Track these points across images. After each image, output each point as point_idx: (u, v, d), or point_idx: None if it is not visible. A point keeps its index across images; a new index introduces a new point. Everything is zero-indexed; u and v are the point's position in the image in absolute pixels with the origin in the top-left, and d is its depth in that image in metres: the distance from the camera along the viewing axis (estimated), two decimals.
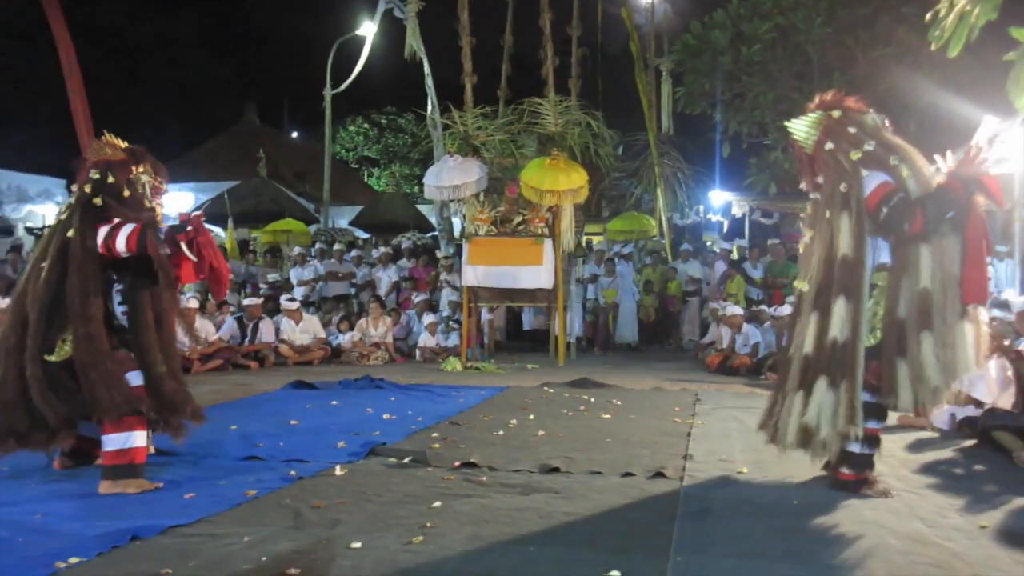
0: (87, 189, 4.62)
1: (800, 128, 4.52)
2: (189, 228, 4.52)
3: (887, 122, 4.49)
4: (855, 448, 4.31)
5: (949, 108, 11.39)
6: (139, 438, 4.41)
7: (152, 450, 5.03)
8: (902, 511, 4.05)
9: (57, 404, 4.33)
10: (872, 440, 4.37)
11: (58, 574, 3.10)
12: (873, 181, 4.22)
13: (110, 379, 4.35)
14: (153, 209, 4.74)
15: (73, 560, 3.22)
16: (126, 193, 4.69)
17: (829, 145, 4.36)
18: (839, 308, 4.17)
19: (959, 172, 4.13)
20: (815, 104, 4.54)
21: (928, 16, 6.32)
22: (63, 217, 4.64)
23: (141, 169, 4.78)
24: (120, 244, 4.44)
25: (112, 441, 4.36)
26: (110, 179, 4.66)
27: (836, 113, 4.42)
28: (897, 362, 4.13)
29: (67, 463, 4.84)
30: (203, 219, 4.65)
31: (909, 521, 3.88)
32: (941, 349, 4.05)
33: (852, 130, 4.38)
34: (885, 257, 4.28)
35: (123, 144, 4.87)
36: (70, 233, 4.50)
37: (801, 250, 4.65)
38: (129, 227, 4.48)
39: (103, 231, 4.47)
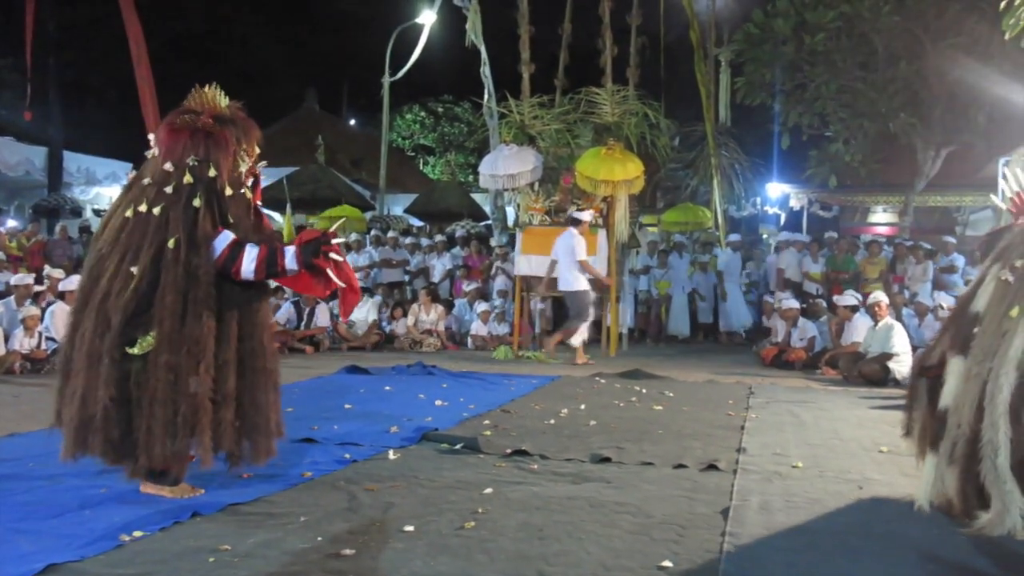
0: (187, 180, 3.90)
1: None
2: (329, 253, 3.99)
3: None
4: None
5: (1020, 100, 11.04)
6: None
7: None
8: None
9: (119, 422, 3.77)
10: None
11: (123, 547, 3.20)
12: None
13: (171, 420, 3.75)
14: (251, 201, 4.15)
15: (137, 534, 3.32)
16: (229, 191, 3.99)
17: None
18: None
19: None
20: None
21: (1002, 4, 6.12)
22: (155, 211, 3.87)
23: (243, 147, 4.09)
24: (247, 271, 3.88)
25: None
26: (211, 172, 3.94)
27: None
28: None
29: None
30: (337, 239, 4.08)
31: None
32: None
33: None
34: None
35: (222, 103, 4.12)
36: (170, 244, 3.81)
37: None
38: (254, 251, 3.89)
39: (218, 247, 3.88)
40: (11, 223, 15.96)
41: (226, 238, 3.90)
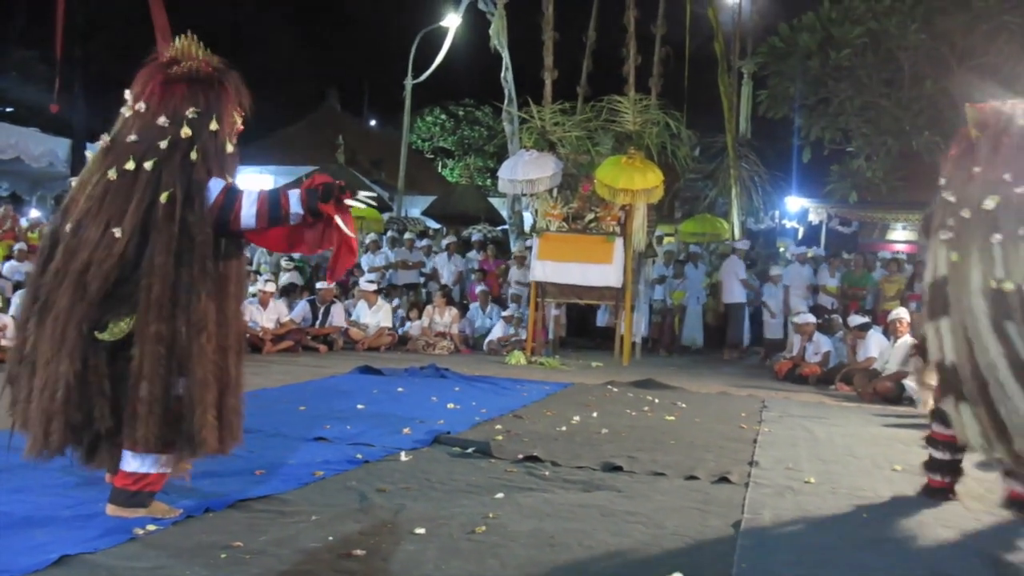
0: (184, 133, 3.46)
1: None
2: (338, 194, 3.62)
3: None
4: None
5: None
6: (164, 462, 3.49)
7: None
8: (977, 530, 3.94)
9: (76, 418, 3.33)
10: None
11: (135, 540, 3.22)
12: None
13: (160, 398, 3.34)
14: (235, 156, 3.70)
15: (150, 528, 3.33)
16: (230, 148, 3.60)
17: None
18: None
19: None
20: None
21: None
22: (146, 165, 3.41)
23: (240, 101, 3.69)
24: (248, 216, 3.46)
25: (131, 460, 3.45)
26: (213, 125, 3.53)
27: None
28: None
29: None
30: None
31: (985, 542, 3.76)
32: None
33: None
34: None
35: (213, 59, 3.66)
36: (162, 198, 3.37)
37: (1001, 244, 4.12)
38: (253, 194, 3.50)
39: (213, 191, 3.45)
40: (34, 213, 16.10)
41: (219, 183, 3.48)
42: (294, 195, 3.56)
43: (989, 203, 4.07)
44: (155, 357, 3.31)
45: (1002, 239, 4.00)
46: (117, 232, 3.34)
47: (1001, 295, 3.96)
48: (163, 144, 3.45)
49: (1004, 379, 3.86)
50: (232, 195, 3.47)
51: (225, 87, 3.62)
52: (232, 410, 3.54)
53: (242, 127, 3.77)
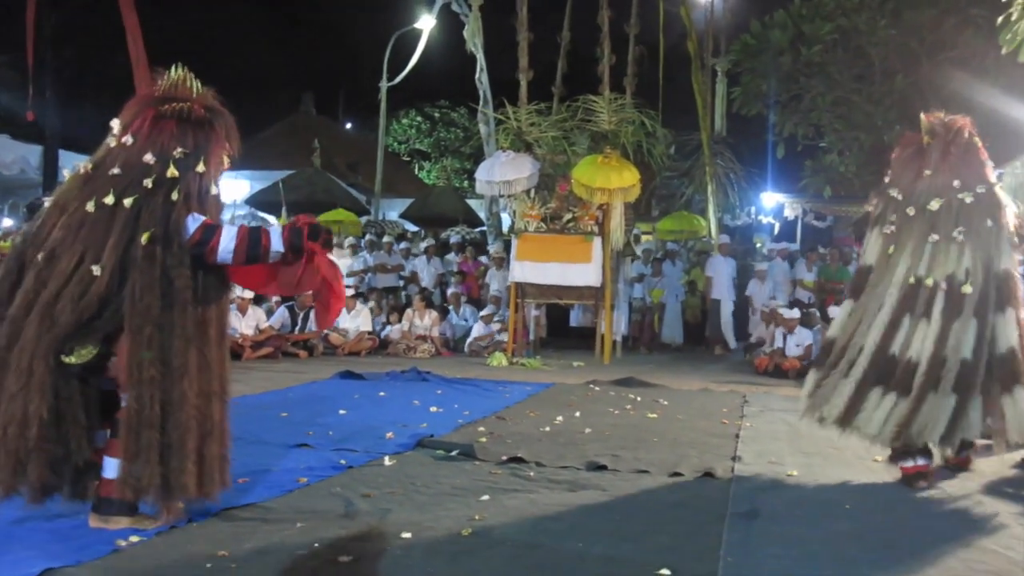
0: (171, 174, 3.42)
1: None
2: (323, 234, 3.65)
3: None
4: None
5: (1013, 115, 11.10)
6: None
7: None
8: (960, 518, 3.99)
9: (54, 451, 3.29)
10: None
11: (119, 551, 3.20)
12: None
13: (154, 445, 3.30)
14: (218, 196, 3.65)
15: (134, 539, 3.31)
16: (214, 190, 3.58)
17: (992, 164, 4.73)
18: (1009, 320, 4.43)
19: None
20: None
21: (999, 19, 6.19)
22: (126, 202, 3.37)
23: (230, 143, 3.67)
24: (225, 251, 3.44)
25: (113, 466, 3.40)
26: (200, 167, 3.51)
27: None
28: None
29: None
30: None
31: (967, 528, 3.82)
32: None
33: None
34: None
35: (207, 97, 3.65)
36: (143, 239, 3.34)
37: (933, 244, 4.51)
38: (232, 230, 3.49)
39: (190, 226, 3.42)
40: (7, 222, 15.91)
41: (197, 219, 3.44)
42: (275, 232, 3.58)
43: (934, 204, 4.51)
44: (153, 401, 3.30)
45: (937, 239, 4.45)
46: (96, 269, 3.30)
47: (916, 289, 4.40)
48: (147, 182, 3.41)
49: (859, 362, 4.39)
50: (210, 231, 3.44)
51: (216, 129, 3.60)
52: (215, 457, 3.47)
53: (228, 167, 3.73)
